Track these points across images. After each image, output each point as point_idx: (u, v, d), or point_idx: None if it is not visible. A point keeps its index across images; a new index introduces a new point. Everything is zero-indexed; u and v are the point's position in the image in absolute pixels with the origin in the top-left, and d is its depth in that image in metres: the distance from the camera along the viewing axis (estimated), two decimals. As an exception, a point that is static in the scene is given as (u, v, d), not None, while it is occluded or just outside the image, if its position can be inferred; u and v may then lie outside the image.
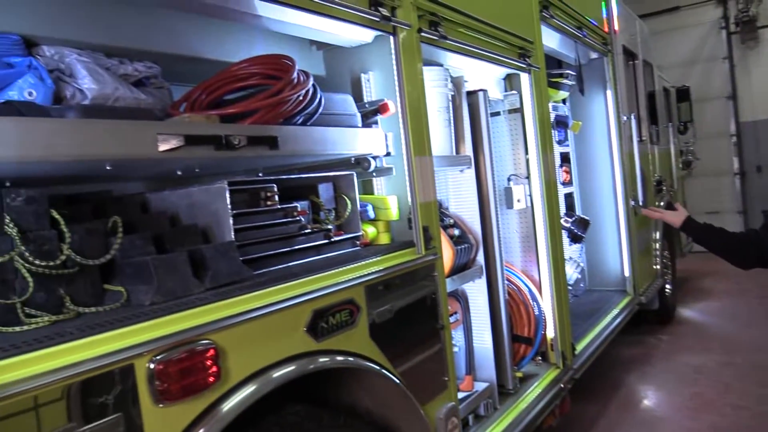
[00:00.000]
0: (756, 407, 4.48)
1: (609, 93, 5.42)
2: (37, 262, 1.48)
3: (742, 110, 11.35)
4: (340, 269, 2.10)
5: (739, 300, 7.42)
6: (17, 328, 1.43)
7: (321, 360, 1.95)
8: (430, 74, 2.85)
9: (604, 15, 5.52)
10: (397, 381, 2.26)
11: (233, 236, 1.89)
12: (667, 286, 6.67)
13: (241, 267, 1.84)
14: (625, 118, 5.51)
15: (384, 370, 2.20)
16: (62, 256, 1.53)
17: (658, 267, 6.29)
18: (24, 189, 1.52)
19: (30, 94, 1.65)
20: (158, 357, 1.45)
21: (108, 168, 1.65)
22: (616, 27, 5.67)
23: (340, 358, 2.03)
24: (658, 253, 6.29)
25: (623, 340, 5.88)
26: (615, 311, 5.13)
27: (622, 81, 5.63)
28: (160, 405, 1.45)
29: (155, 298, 1.61)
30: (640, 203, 5.60)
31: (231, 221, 1.88)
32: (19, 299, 1.46)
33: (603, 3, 5.52)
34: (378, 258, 2.29)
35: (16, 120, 1.41)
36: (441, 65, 3.10)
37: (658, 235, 6.32)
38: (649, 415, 4.60)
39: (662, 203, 6.69)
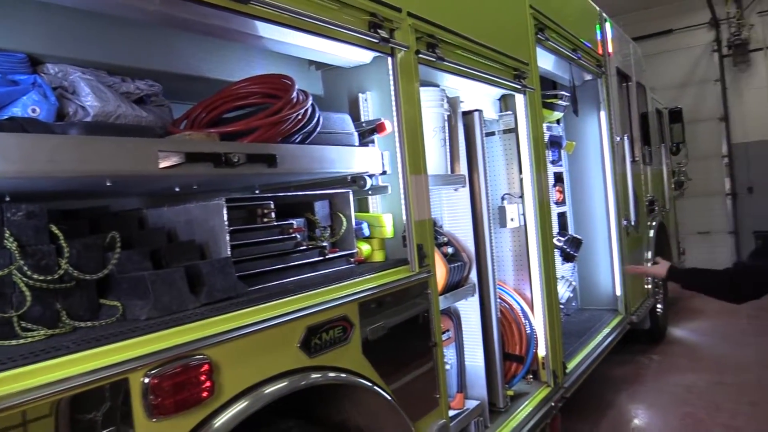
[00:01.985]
0: (746, 427, 4.50)
1: (603, 114, 5.49)
2: (35, 276, 1.49)
3: (734, 132, 11.44)
4: (335, 286, 2.12)
5: (730, 319, 7.45)
6: (13, 342, 1.43)
7: (313, 376, 1.96)
8: (426, 95, 2.89)
9: (599, 37, 5.60)
10: (389, 398, 2.27)
11: (229, 252, 1.91)
12: (659, 305, 6.71)
13: (236, 283, 1.86)
14: (618, 138, 5.57)
15: (376, 387, 2.22)
16: (60, 270, 1.55)
17: (650, 286, 6.34)
18: (24, 204, 1.53)
19: (33, 110, 1.67)
20: (153, 371, 1.46)
21: (108, 184, 1.67)
22: (610, 49, 5.75)
23: (332, 374, 2.04)
24: (649, 273, 6.31)
25: (614, 360, 5.89)
26: (606, 330, 5.16)
27: (616, 102, 5.70)
28: (154, 420, 1.46)
29: (151, 313, 1.62)
30: (632, 222, 5.65)
31: (228, 237, 1.90)
32: (15, 313, 1.47)
33: (597, 26, 5.60)
34: (372, 275, 2.31)
35: (20, 136, 1.44)
36: (437, 86, 3.14)
37: (649, 254, 6.37)
38: (639, 435, 4.62)
39: (654, 223, 6.74)
